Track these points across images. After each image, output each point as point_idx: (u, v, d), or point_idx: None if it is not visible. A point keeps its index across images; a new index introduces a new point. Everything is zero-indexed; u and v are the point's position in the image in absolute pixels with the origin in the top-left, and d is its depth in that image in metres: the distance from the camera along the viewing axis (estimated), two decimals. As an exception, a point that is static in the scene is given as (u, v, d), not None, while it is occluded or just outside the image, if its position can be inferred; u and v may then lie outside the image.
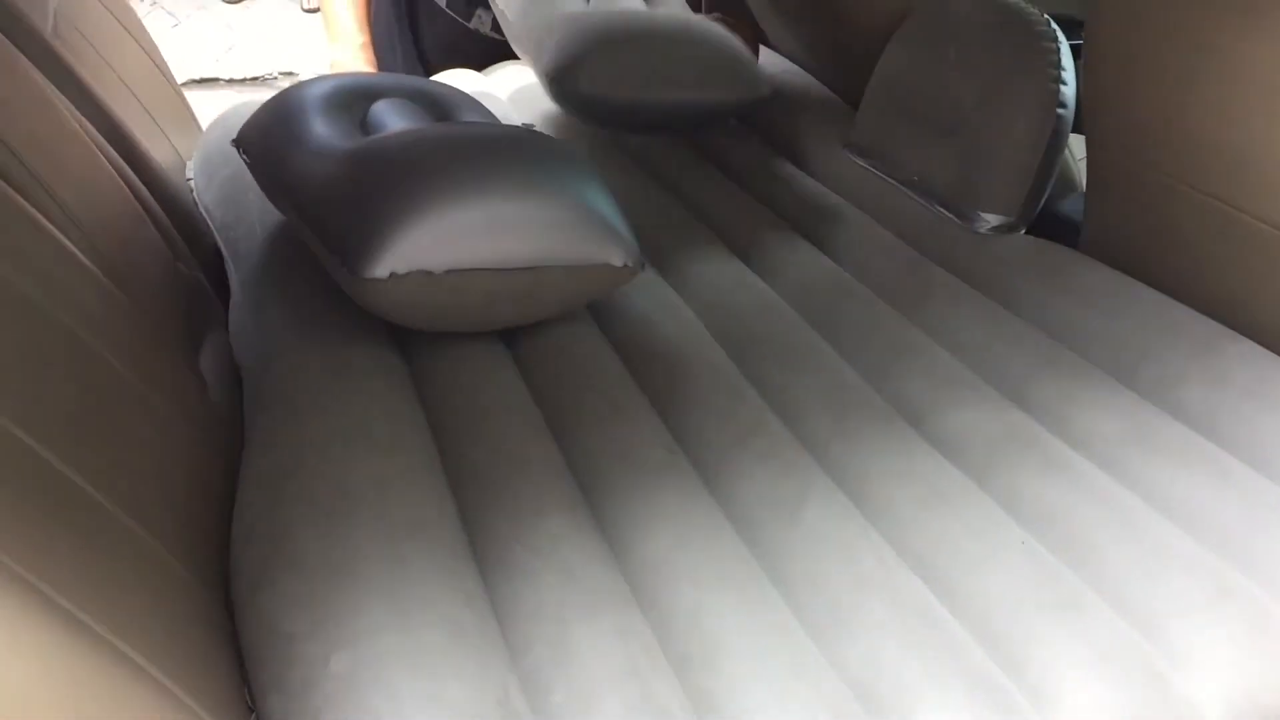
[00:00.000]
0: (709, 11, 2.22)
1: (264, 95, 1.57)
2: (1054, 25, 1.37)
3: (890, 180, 1.54)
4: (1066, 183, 1.64)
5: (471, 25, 2.08)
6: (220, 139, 1.65)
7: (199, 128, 1.92)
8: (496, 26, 2.04)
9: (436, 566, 0.83)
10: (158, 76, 1.84)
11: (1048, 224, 1.44)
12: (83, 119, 1.24)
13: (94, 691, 0.56)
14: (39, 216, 0.94)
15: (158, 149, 1.57)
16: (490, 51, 2.14)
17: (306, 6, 4.96)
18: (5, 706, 0.50)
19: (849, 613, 0.82)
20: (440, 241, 1.04)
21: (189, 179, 1.64)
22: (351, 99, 1.32)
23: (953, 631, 0.80)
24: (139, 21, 1.87)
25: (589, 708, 0.74)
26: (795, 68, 1.93)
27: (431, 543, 0.86)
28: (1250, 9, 1.04)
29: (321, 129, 1.24)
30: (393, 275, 1.03)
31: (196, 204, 1.56)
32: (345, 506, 0.87)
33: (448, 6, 2.07)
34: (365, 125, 1.30)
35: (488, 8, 2.05)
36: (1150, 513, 0.90)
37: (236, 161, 1.56)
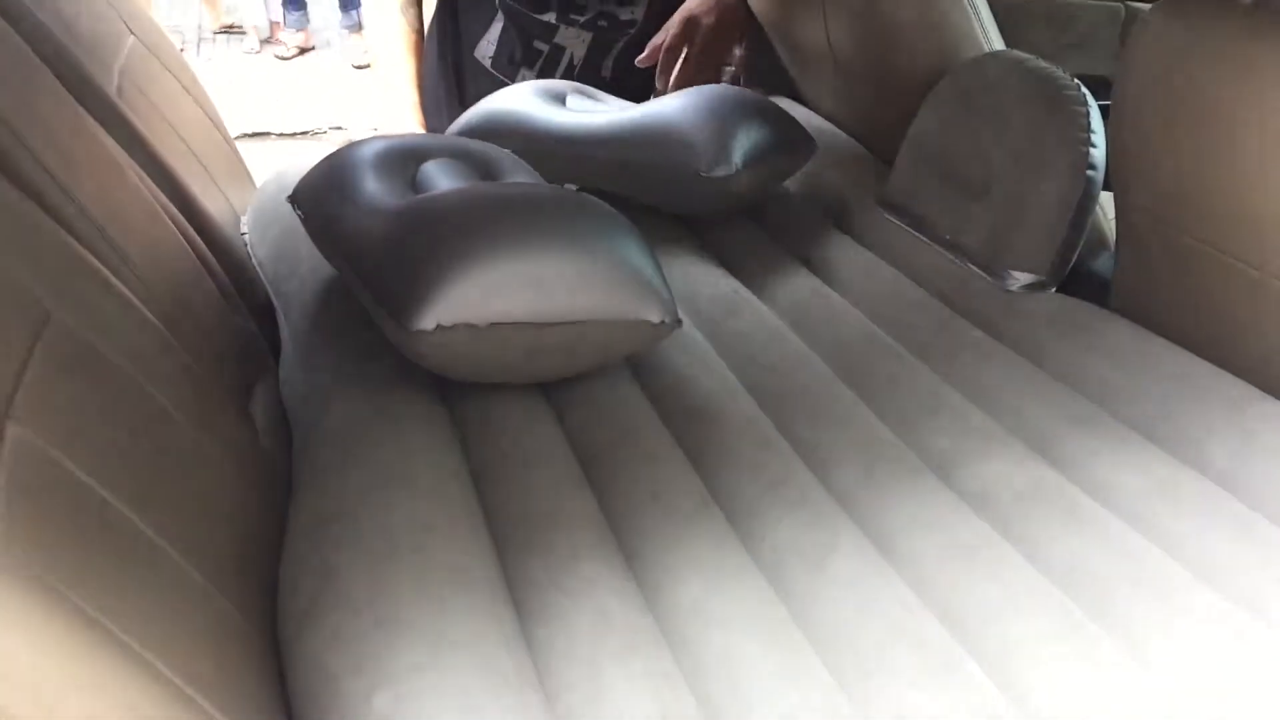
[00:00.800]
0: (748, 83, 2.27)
1: (315, 149, 1.64)
2: (1083, 89, 1.41)
3: (922, 238, 1.57)
4: (1098, 240, 1.66)
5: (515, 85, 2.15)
6: (275, 195, 1.72)
7: (252, 181, 2.00)
8: None
9: (476, 610, 0.86)
10: (213, 131, 1.91)
11: (1079, 281, 1.47)
12: (145, 176, 1.31)
13: None
14: (104, 270, 1.00)
15: (213, 202, 1.64)
16: None
17: (356, 62, 5.10)
18: None
19: (876, 662, 0.85)
20: (484, 295, 1.09)
21: (243, 233, 1.70)
22: (403, 159, 1.38)
23: (973, 678, 0.82)
24: (195, 77, 1.95)
25: (621, 749, 0.77)
26: (829, 125, 1.97)
27: (471, 587, 0.89)
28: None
29: (373, 187, 1.30)
30: (439, 327, 1.08)
31: (250, 257, 1.62)
32: (389, 550, 0.91)
33: (492, 67, 2.13)
34: (416, 185, 1.35)
35: (531, 67, 2.11)
36: (1173, 565, 0.92)
37: (290, 217, 1.63)
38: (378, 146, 1.41)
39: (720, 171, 1.57)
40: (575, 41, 2.09)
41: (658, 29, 2.03)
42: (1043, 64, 1.46)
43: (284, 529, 1.01)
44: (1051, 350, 1.28)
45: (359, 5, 5.10)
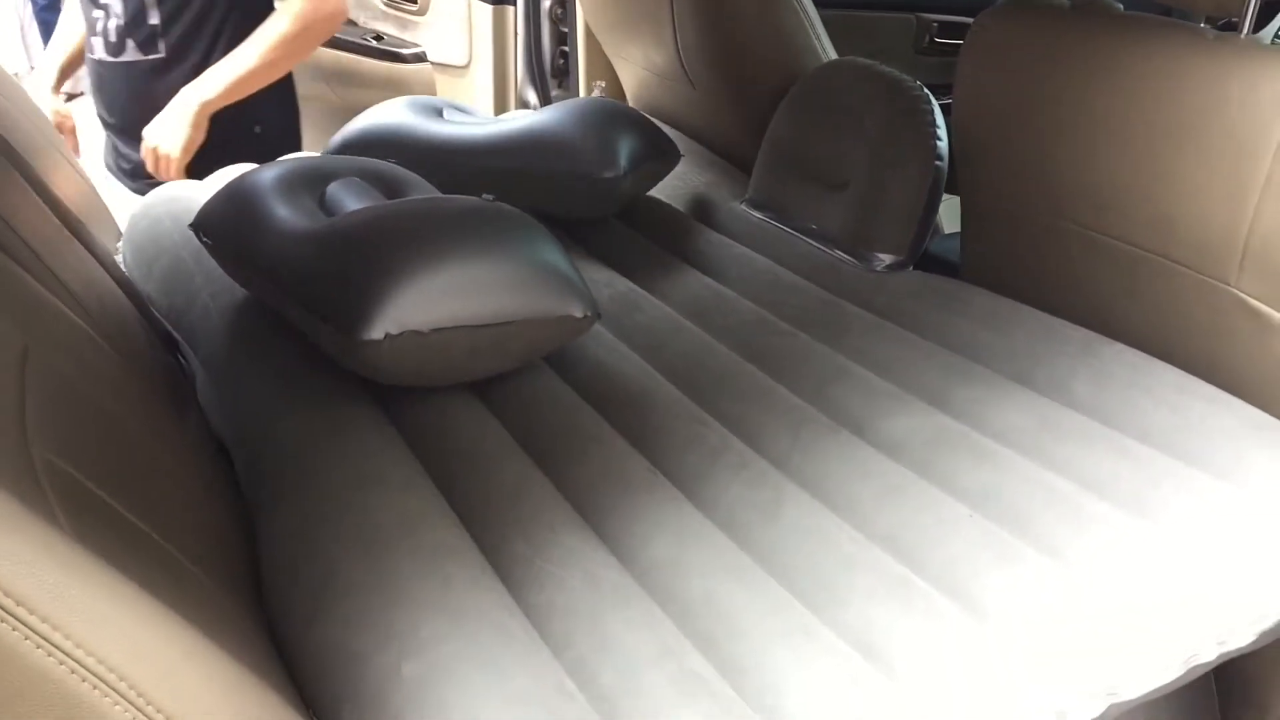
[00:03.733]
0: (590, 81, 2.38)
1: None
2: (925, 89, 1.59)
3: (788, 229, 1.72)
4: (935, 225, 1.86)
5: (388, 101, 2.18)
6: (150, 229, 1.71)
7: (114, 220, 1.97)
8: None
9: (477, 583, 0.93)
10: (79, 179, 1.89)
11: (925, 261, 1.65)
12: (59, 220, 1.31)
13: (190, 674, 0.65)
14: (60, 305, 1.02)
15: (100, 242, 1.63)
16: None
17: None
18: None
19: (838, 587, 0.96)
20: (426, 303, 1.15)
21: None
22: (307, 182, 1.42)
23: (924, 590, 0.95)
24: (51, 126, 1.92)
25: (637, 684, 0.86)
26: (682, 135, 2.11)
27: (464, 564, 0.96)
28: (1103, 69, 1.25)
29: (285, 211, 1.34)
30: (386, 336, 1.14)
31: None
32: (382, 539, 0.97)
33: None
34: (325, 206, 1.40)
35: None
36: (1068, 484, 1.07)
37: (173, 249, 1.63)
38: (279, 171, 1.45)
39: (609, 173, 1.67)
40: None
41: None
42: (886, 69, 1.64)
43: (245, 539, 1.05)
44: (924, 318, 1.44)
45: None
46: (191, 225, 1.44)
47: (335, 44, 2.85)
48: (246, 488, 1.15)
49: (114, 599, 0.60)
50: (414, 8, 2.79)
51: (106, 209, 1.97)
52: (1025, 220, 1.42)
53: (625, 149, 1.70)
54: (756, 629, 0.91)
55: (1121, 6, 1.30)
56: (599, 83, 2.33)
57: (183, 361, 1.47)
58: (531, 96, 2.64)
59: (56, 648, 0.54)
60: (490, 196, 1.30)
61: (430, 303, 1.16)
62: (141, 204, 1.85)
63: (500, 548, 1.02)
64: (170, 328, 1.51)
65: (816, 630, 0.92)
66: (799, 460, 1.15)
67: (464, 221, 1.25)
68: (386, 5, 2.84)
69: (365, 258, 1.18)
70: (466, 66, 2.70)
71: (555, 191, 1.73)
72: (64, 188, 1.70)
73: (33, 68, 5.03)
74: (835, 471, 1.12)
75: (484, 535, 1.04)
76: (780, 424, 1.21)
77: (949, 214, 1.71)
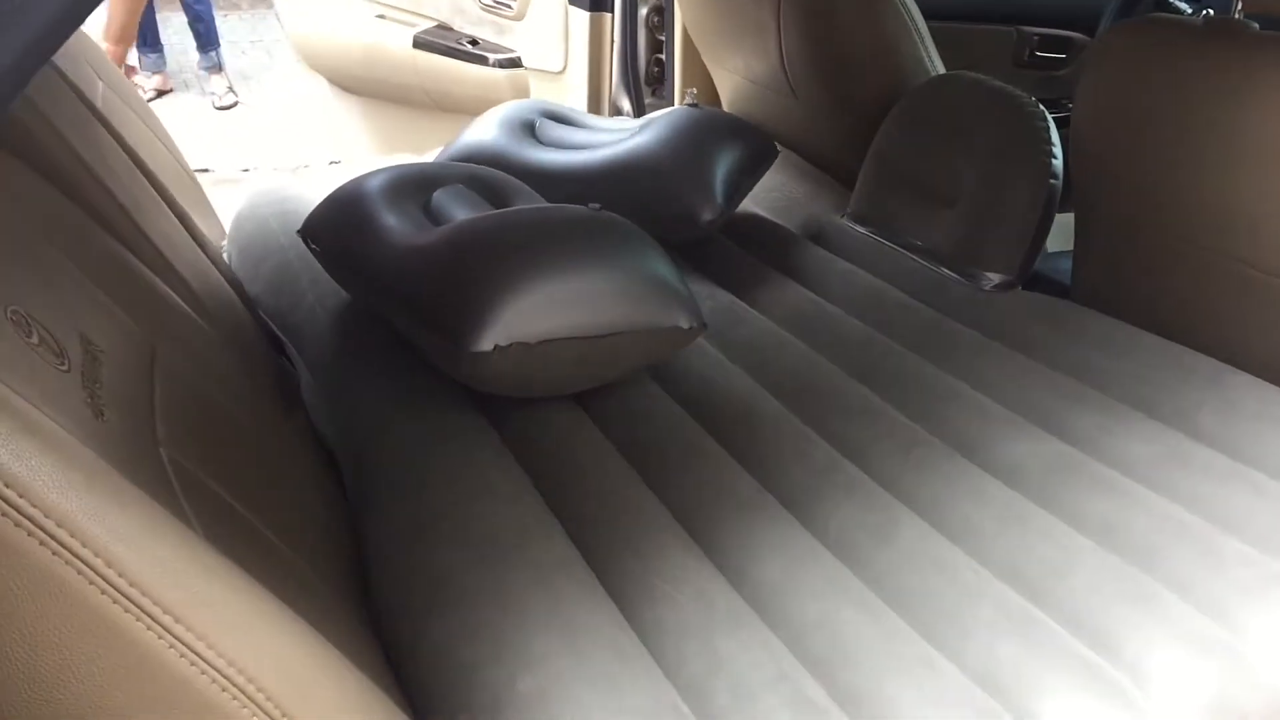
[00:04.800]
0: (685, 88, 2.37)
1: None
2: (1040, 105, 1.55)
3: (893, 246, 1.69)
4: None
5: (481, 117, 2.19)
6: (258, 230, 1.74)
7: (217, 216, 2.00)
8: None
9: (588, 599, 0.92)
10: (181, 172, 1.92)
11: (1034, 281, 1.61)
12: (172, 214, 1.33)
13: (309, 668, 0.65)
14: (183, 305, 1.04)
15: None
16: None
17: (219, 104, 5.02)
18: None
19: (958, 618, 0.93)
20: (534, 315, 1.15)
21: None
22: (413, 189, 1.43)
23: (1052, 627, 0.92)
24: (158, 119, 1.96)
25: (753, 709, 0.84)
26: (783, 147, 2.08)
27: (576, 579, 0.95)
28: (1236, 88, 1.21)
29: (392, 220, 1.34)
30: (496, 348, 1.13)
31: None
32: (494, 550, 0.96)
33: None
34: (432, 214, 1.40)
35: None
36: (1197, 519, 1.03)
37: (280, 251, 1.66)
38: (385, 178, 1.46)
39: (707, 216, 1.66)
40: None
41: None
42: (1001, 84, 1.60)
43: (348, 538, 1.06)
44: (1036, 340, 1.40)
45: (218, 45, 5.04)
46: (299, 232, 1.45)
47: (432, 48, 2.89)
48: (352, 490, 1.15)
49: (252, 608, 0.60)
50: (511, 13, 2.81)
51: (211, 207, 2.01)
52: (1145, 241, 1.37)
53: (722, 173, 1.68)
54: (873, 657, 0.89)
55: (1258, 26, 1.25)
56: (692, 90, 2.31)
57: (288, 363, 1.49)
58: (625, 104, 2.63)
59: (200, 656, 0.55)
60: (597, 206, 1.29)
61: (539, 314, 1.15)
62: (246, 203, 1.88)
63: (609, 563, 1.01)
64: (276, 329, 1.53)
65: (937, 662, 0.89)
66: (911, 482, 1.13)
67: (571, 232, 1.24)
68: (484, 10, 2.86)
69: (473, 269, 1.17)
70: (562, 72, 2.71)
71: (651, 229, 1.69)
72: (174, 185, 1.74)
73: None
74: (949, 495, 1.10)
75: (593, 549, 1.03)
76: (890, 444, 1.19)
77: (1056, 232, 1.67)
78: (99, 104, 1.59)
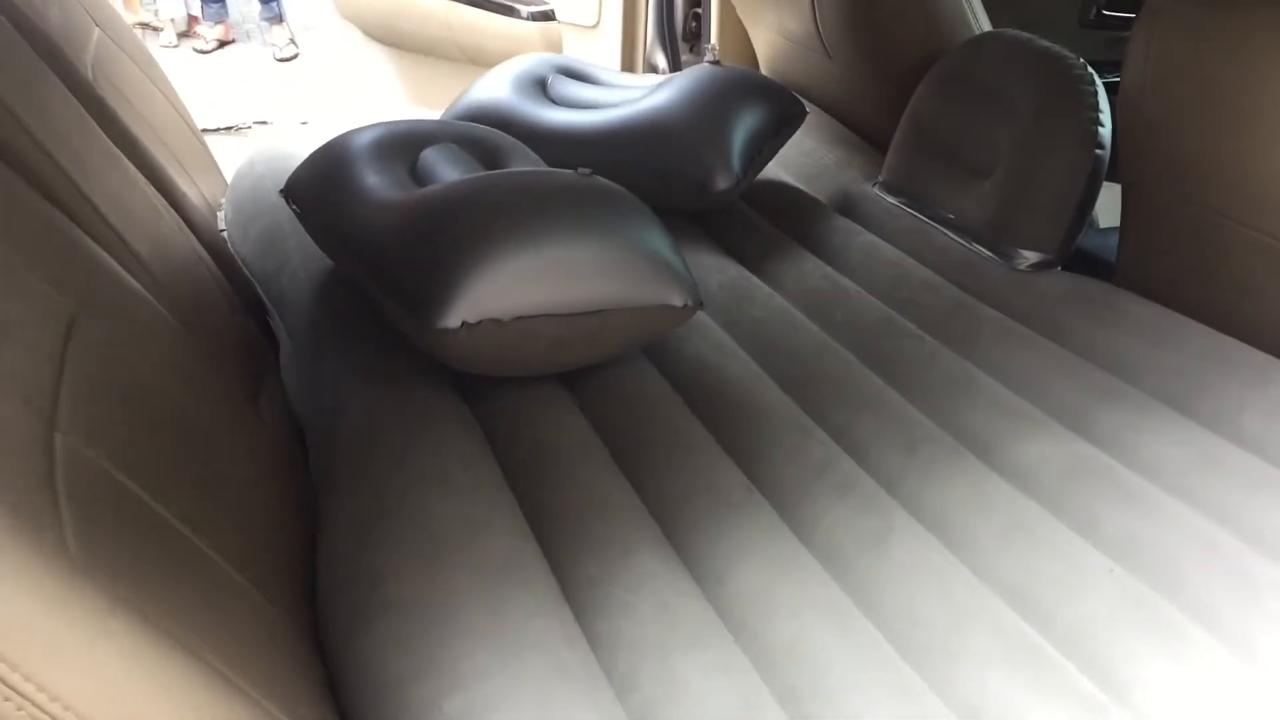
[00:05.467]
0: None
1: (240, 144, 1.59)
2: (1089, 68, 1.41)
3: (923, 218, 1.57)
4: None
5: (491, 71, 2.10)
6: (251, 189, 1.66)
7: (221, 174, 1.93)
8: None
9: (534, 608, 0.83)
10: (181, 125, 1.85)
11: (1076, 260, 1.47)
12: (138, 171, 1.25)
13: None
14: (122, 271, 0.95)
15: (191, 196, 1.58)
16: None
17: (280, 55, 4.98)
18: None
19: (948, 643, 0.83)
20: (507, 290, 1.05)
21: (222, 230, 1.64)
22: (400, 146, 1.34)
23: (1053, 658, 0.81)
24: (161, 70, 1.88)
25: (705, 743, 0.75)
26: (815, 108, 1.96)
27: (526, 583, 0.86)
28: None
29: (374, 179, 1.25)
30: (464, 325, 1.04)
31: (234, 254, 1.57)
32: (435, 549, 0.87)
33: None
34: (416, 173, 1.31)
35: None
36: (1228, 537, 0.91)
37: (272, 211, 1.57)
38: (373, 135, 1.36)
39: (722, 184, 1.54)
40: None
41: None
42: (1046, 43, 1.46)
43: (312, 530, 0.98)
44: (1069, 327, 1.28)
45: (280, -4, 5.00)
46: (281, 191, 1.37)
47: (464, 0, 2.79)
48: (314, 471, 1.08)
49: (104, 645, 0.53)
50: (545, -36, 2.70)
51: (214, 162, 1.93)
52: (1198, 220, 1.24)
53: (741, 138, 1.56)
54: (846, 687, 0.79)
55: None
56: (712, 45, 2.18)
57: (273, 329, 1.41)
58: (660, 60, 2.52)
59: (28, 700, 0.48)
60: (587, 171, 1.19)
61: (513, 288, 1.06)
62: (246, 160, 1.80)
63: (569, 564, 0.92)
64: (261, 293, 1.45)
65: (919, 694, 0.79)
66: (913, 484, 1.02)
67: (554, 198, 1.14)
68: (517, -39, 2.75)
69: (442, 238, 1.08)
70: (595, 26, 2.59)
71: (662, 195, 1.56)
72: (168, 139, 1.67)
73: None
74: (953, 501, 0.99)
75: (553, 548, 0.94)
76: (894, 440, 1.08)
77: (1107, 206, 1.53)
78: (90, 54, 1.52)
